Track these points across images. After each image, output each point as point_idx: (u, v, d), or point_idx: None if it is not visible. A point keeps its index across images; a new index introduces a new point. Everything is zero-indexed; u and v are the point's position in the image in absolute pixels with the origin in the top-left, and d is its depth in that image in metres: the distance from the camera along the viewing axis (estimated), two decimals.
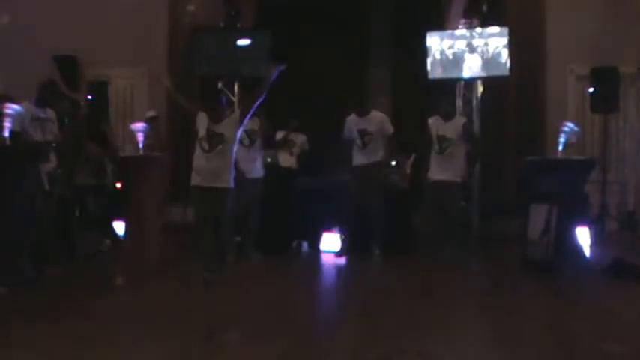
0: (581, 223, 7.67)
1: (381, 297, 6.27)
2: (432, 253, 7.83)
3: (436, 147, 7.96)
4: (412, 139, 9.07)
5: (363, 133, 8.14)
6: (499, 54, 9.23)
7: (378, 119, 8.25)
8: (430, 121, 8.06)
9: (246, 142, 8.00)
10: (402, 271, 7.46)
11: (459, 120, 8.23)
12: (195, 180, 6.38)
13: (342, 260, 8.11)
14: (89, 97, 10.32)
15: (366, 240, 8.19)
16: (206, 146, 6.30)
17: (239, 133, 6.52)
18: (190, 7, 11.03)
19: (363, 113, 8.20)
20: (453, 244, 7.81)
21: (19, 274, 6.25)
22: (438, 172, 7.95)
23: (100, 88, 10.65)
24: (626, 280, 6.73)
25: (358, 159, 8.21)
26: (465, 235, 8.78)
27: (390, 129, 8.21)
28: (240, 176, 7.45)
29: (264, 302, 5.90)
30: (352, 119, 8.22)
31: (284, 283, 6.76)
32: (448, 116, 8.08)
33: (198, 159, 6.37)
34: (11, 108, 6.51)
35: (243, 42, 10.09)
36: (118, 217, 8.64)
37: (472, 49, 9.40)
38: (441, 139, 7.92)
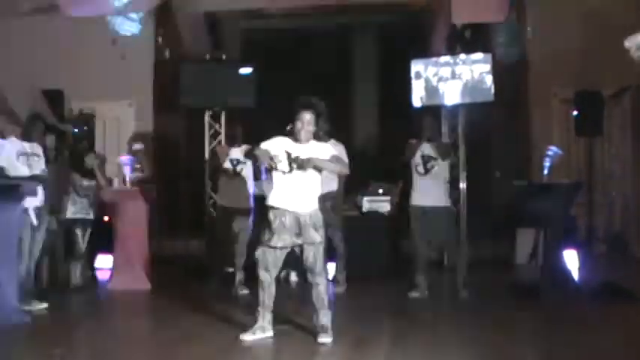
0: (569, 246, 7.71)
1: (370, 323, 6.24)
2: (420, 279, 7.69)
3: (420, 168, 7.47)
4: (399, 165, 9.02)
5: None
6: (483, 80, 9.29)
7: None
8: (414, 141, 7.58)
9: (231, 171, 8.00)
10: (389, 297, 7.44)
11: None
12: None
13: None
14: (75, 130, 10.31)
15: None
16: None
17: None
18: None
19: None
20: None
21: (7, 313, 6.17)
22: (424, 196, 7.43)
23: (86, 120, 10.65)
24: (614, 302, 6.74)
25: None
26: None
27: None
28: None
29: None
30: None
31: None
32: (432, 139, 7.60)
33: None
34: None
35: (245, 71, 10.12)
36: (106, 251, 8.63)
37: (456, 76, 9.44)
38: (427, 158, 7.45)
